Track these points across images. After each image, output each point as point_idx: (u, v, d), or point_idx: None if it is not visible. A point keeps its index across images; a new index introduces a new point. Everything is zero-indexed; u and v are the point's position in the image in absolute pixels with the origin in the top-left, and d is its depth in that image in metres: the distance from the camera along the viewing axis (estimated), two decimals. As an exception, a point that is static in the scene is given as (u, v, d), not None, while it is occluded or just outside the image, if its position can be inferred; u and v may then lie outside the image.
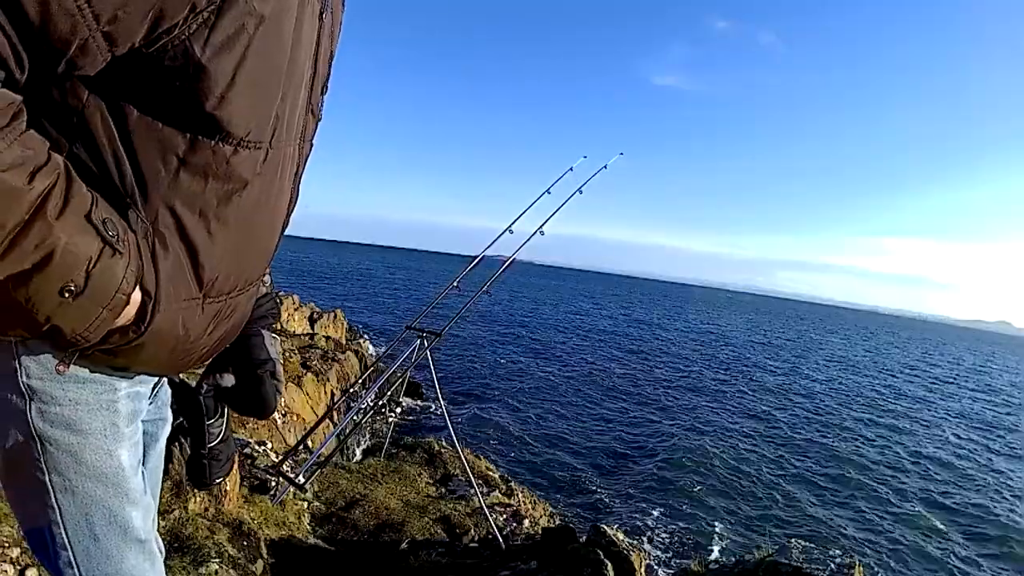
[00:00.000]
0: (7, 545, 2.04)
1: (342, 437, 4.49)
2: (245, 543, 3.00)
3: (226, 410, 1.05)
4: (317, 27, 0.75)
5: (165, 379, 0.96)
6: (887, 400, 25.08)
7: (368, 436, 8.20)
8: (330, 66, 0.86)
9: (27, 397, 0.68)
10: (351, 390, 7.86)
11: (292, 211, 0.86)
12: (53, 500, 0.72)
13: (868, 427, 18.76)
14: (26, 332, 0.62)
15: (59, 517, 0.73)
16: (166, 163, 0.63)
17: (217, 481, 1.07)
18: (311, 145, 0.87)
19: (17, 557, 2.03)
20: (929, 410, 24.16)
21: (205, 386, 1.00)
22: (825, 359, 39.42)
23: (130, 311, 0.65)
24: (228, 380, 1.00)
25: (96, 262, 0.58)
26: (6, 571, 1.95)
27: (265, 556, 3.08)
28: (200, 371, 1.02)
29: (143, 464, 0.92)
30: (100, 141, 0.61)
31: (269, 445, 4.48)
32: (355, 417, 4.43)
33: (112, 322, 0.63)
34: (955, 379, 39.28)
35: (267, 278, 1.05)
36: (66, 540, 0.74)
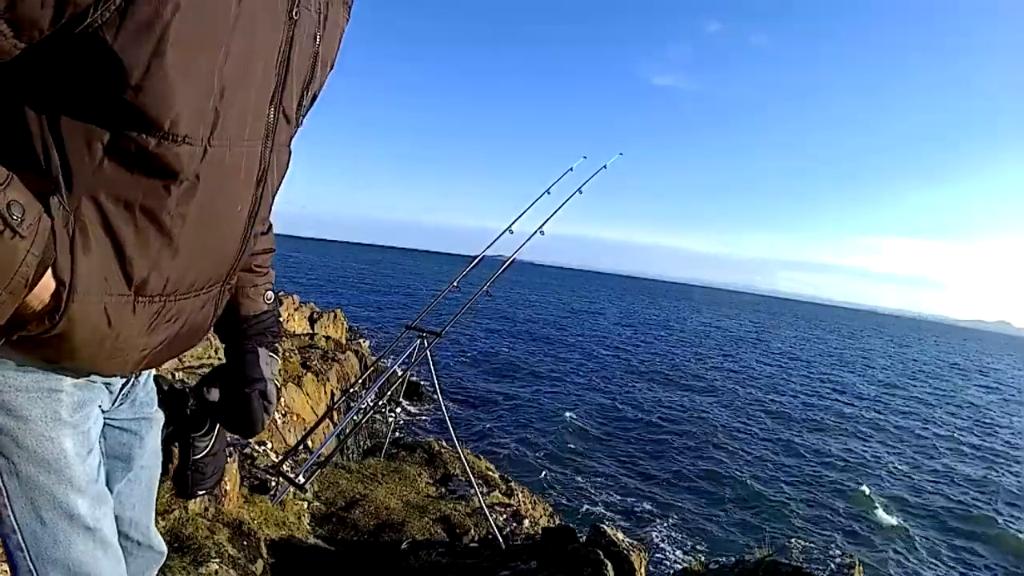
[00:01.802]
0: (7, 545, 2.04)
1: (342, 437, 4.49)
2: (245, 543, 3.00)
3: (216, 425, 1.03)
4: (285, 25, 0.73)
5: (145, 379, 0.96)
6: (887, 400, 25.08)
7: (368, 436, 8.20)
8: (315, 70, 0.83)
9: None
10: (351, 390, 7.85)
11: (257, 216, 0.83)
12: (0, 483, 0.74)
13: (868, 427, 18.76)
14: None
15: (6, 499, 0.74)
16: (91, 152, 0.63)
17: (200, 494, 1.06)
18: (288, 151, 0.86)
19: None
20: (931, 410, 24.16)
21: (192, 399, 0.99)
22: (825, 359, 39.41)
23: (42, 295, 0.64)
24: (213, 395, 0.98)
25: None
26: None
27: (265, 556, 3.08)
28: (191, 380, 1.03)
29: (132, 462, 0.94)
30: (31, 128, 0.61)
31: (269, 445, 4.48)
32: (355, 417, 4.43)
33: (15, 303, 0.61)
34: (951, 379, 39.27)
35: (270, 294, 1.04)
36: (14, 522, 0.75)
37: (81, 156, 0.63)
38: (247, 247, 0.85)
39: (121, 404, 0.90)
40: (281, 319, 1.14)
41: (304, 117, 0.89)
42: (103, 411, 0.85)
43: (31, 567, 0.78)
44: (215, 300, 0.86)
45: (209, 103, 0.67)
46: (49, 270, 0.63)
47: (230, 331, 1.01)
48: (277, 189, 0.88)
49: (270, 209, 0.93)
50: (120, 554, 0.87)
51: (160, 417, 0.99)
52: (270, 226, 1.02)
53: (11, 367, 0.71)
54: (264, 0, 0.69)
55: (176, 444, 1.03)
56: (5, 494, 0.74)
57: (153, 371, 0.99)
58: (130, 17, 0.58)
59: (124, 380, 0.89)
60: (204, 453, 1.02)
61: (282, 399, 6.14)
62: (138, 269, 0.70)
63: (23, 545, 0.77)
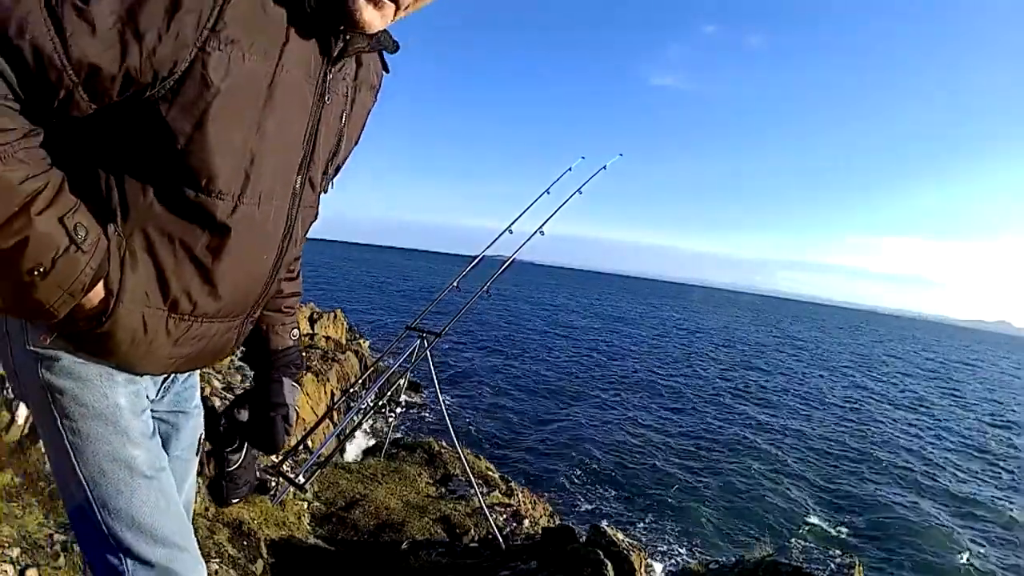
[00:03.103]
0: (7, 545, 2.04)
1: (342, 437, 4.49)
2: (245, 543, 3.01)
3: (245, 442, 1.18)
4: (315, 108, 0.89)
5: (185, 377, 1.09)
6: (886, 401, 25.09)
7: (368, 436, 8.19)
8: (340, 145, 0.99)
9: (36, 358, 0.85)
10: (351, 390, 7.85)
11: (282, 264, 0.98)
12: (66, 440, 0.86)
13: (867, 428, 18.77)
14: (5, 296, 0.75)
15: (72, 454, 0.86)
16: (144, 194, 0.80)
17: (234, 502, 1.20)
18: (314, 212, 1.01)
19: (17, 557, 2.03)
20: (932, 410, 24.17)
21: (224, 418, 1.14)
22: (826, 359, 39.43)
23: (93, 299, 0.78)
24: (243, 415, 1.14)
25: (61, 254, 0.72)
26: (6, 571, 1.95)
27: (265, 556, 3.09)
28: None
29: (168, 450, 1.05)
30: (98, 175, 0.79)
31: (269, 445, 4.47)
32: (355, 417, 4.43)
33: (73, 303, 0.76)
34: (957, 377, 39.30)
35: (296, 331, 1.21)
36: (81, 476, 0.87)
37: (136, 196, 0.79)
38: (271, 289, 1.00)
39: (163, 397, 1.04)
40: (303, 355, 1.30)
41: (330, 184, 1.06)
42: (149, 399, 0.98)
43: (100, 519, 0.87)
44: (238, 328, 1.00)
45: (241, 168, 0.82)
46: (102, 280, 0.78)
47: (259, 361, 1.17)
48: (302, 242, 1.05)
49: (297, 259, 1.19)
50: (181, 509, 0.96)
51: (199, 412, 1.13)
52: (298, 273, 1.22)
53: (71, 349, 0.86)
54: (296, 89, 0.84)
55: (211, 457, 1.17)
56: (71, 449, 0.86)
57: (197, 371, 1.12)
58: (180, 96, 0.75)
59: (164, 376, 1.02)
60: (236, 466, 1.17)
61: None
62: (173, 290, 0.85)
63: (90, 498, 0.87)
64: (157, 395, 1.02)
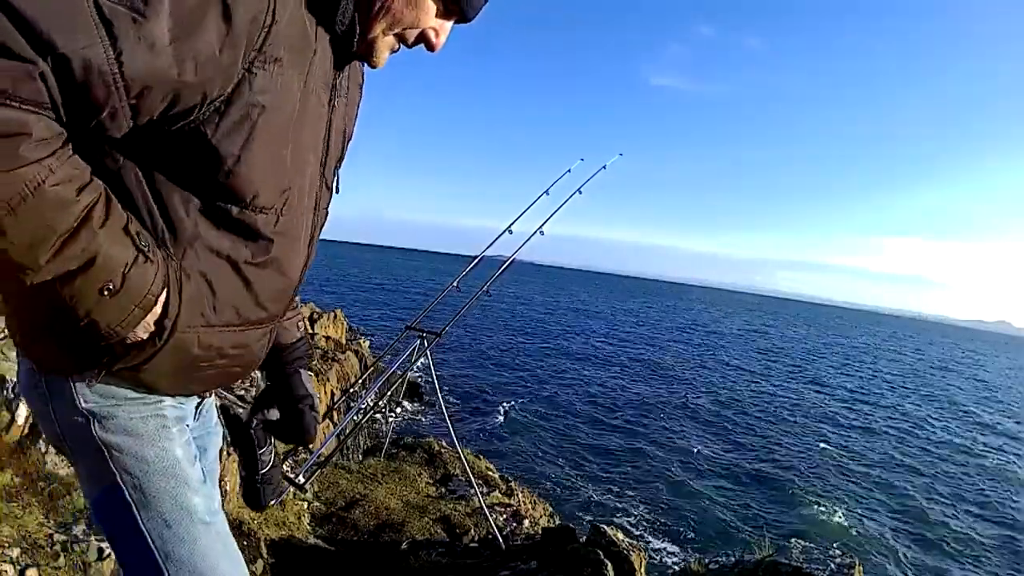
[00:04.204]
0: (7, 545, 2.04)
1: (342, 437, 4.49)
2: (245, 543, 3.00)
3: (272, 440, 1.20)
4: (328, 113, 0.91)
5: (209, 400, 1.10)
6: (887, 401, 25.09)
7: (368, 436, 8.19)
8: (343, 144, 1.01)
9: (88, 418, 0.83)
10: (351, 390, 7.84)
11: (307, 267, 1.01)
12: (128, 496, 0.86)
13: (868, 427, 18.77)
14: (65, 327, 0.72)
15: (136, 509, 0.86)
16: (187, 213, 0.78)
17: (271, 503, 1.22)
18: (326, 213, 1.03)
19: (17, 557, 2.02)
20: (932, 410, 24.17)
21: (255, 420, 1.14)
22: (827, 358, 39.43)
23: (150, 320, 0.76)
24: (274, 414, 1.15)
25: (131, 267, 0.70)
26: (6, 571, 1.94)
27: (265, 556, 3.09)
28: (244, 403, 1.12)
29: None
30: (135, 196, 0.75)
31: (269, 445, 4.47)
32: (355, 417, 4.42)
33: (143, 317, 0.74)
34: (949, 378, 39.30)
35: (301, 324, 1.21)
36: (144, 529, 0.86)
37: (181, 218, 0.78)
38: (297, 291, 1.03)
39: (197, 419, 1.05)
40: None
41: (337, 184, 1.07)
42: (188, 426, 0.97)
43: (163, 569, 0.87)
44: (270, 334, 1.01)
45: (282, 182, 0.84)
46: (161, 298, 0.76)
47: (271, 359, 1.16)
48: (317, 244, 1.08)
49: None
50: (237, 549, 0.97)
51: (219, 430, 1.15)
52: None
53: (122, 396, 0.84)
54: (316, 99, 0.86)
55: (242, 463, 1.17)
56: (134, 506, 0.86)
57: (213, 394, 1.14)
58: (226, 117, 0.74)
59: (198, 399, 1.03)
60: (269, 467, 1.19)
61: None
62: (222, 304, 0.84)
63: (154, 548, 0.87)
64: (195, 419, 1.03)
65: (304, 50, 0.81)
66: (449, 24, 0.89)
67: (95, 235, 0.66)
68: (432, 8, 0.86)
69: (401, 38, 0.88)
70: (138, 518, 0.86)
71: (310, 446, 4.53)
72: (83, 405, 0.82)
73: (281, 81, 0.77)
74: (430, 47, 0.90)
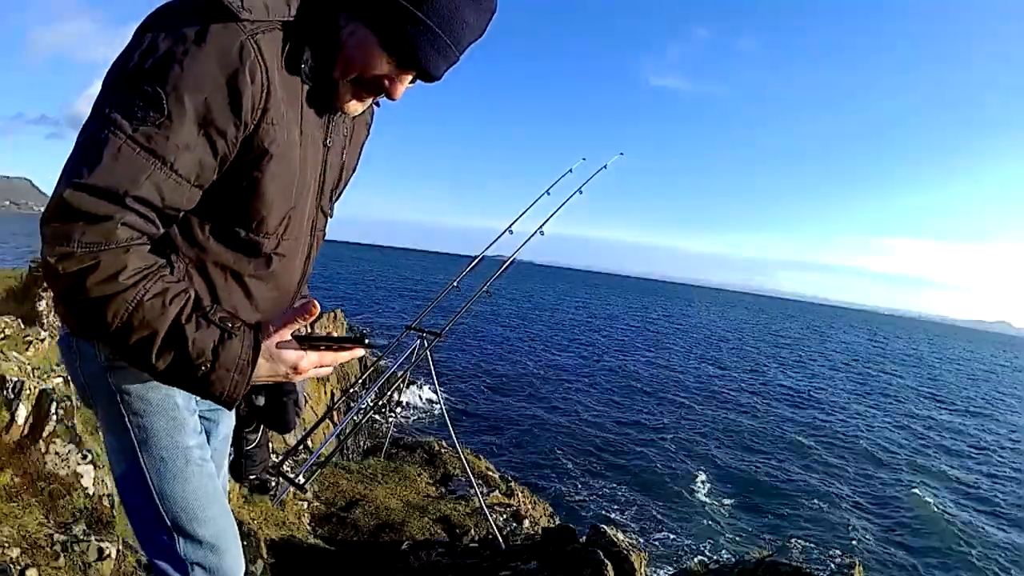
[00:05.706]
0: (7, 545, 2.04)
1: (342, 437, 4.49)
2: (245, 543, 3.00)
3: (261, 424, 1.32)
4: (323, 153, 1.05)
5: None
6: (887, 400, 25.08)
7: (368, 436, 8.19)
8: (342, 175, 1.16)
9: (106, 369, 1.00)
10: (351, 390, 7.85)
11: (304, 280, 1.16)
12: (132, 434, 1.01)
13: (867, 427, 18.76)
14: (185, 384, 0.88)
15: (137, 446, 1.01)
16: (202, 232, 0.95)
17: (251, 476, 1.37)
18: (323, 233, 1.18)
19: (17, 557, 2.03)
20: (933, 409, 24.15)
21: (243, 403, 1.24)
22: (827, 359, 39.40)
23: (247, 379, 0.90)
24: (260, 401, 1.26)
25: (219, 345, 0.85)
26: (6, 571, 1.95)
27: (265, 556, 3.09)
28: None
29: (208, 442, 1.18)
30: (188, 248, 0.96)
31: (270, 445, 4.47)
32: (355, 417, 4.42)
33: (246, 380, 0.88)
34: (960, 375, 39.27)
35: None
36: (143, 464, 1.01)
37: (195, 234, 0.94)
38: (295, 301, 1.15)
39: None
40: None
41: (333, 209, 1.22)
42: (196, 401, 1.10)
43: (157, 503, 1.01)
44: None
45: (285, 212, 0.99)
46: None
47: None
48: (315, 259, 1.24)
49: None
50: (224, 494, 1.10)
51: (230, 411, 1.26)
52: None
53: None
54: (313, 140, 1.01)
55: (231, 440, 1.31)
56: (136, 443, 1.01)
57: None
58: (242, 164, 0.90)
59: None
60: (253, 445, 1.33)
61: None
62: (224, 307, 0.94)
63: (150, 484, 1.01)
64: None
65: (294, 102, 0.95)
66: (407, 77, 0.96)
67: (183, 329, 0.83)
68: (383, 58, 0.93)
69: (361, 85, 0.97)
70: (139, 455, 1.01)
71: (310, 446, 4.53)
72: (101, 359, 1.00)
73: (283, 132, 0.93)
74: (388, 95, 0.97)
